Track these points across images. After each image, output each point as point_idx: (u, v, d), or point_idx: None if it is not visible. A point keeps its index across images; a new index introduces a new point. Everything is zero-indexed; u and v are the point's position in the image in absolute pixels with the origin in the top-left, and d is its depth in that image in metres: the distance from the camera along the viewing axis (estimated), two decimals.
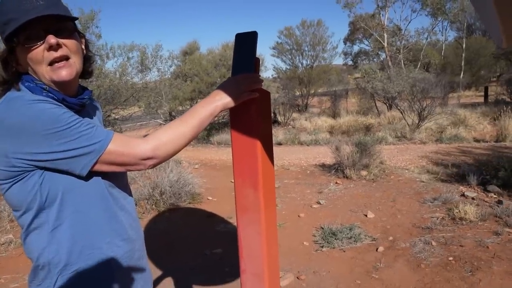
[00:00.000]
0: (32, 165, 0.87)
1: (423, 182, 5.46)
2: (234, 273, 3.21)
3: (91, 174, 0.93)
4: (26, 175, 0.88)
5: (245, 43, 1.15)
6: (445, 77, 13.61)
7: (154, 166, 0.98)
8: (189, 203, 5.09)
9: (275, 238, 1.26)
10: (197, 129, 1.03)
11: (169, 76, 10.91)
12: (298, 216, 4.46)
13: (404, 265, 3.16)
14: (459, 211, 3.96)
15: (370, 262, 3.26)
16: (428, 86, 10.24)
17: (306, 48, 22.21)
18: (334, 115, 15.46)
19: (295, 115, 16.02)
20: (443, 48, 30.86)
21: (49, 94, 0.94)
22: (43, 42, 0.91)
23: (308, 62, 22.33)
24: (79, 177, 0.92)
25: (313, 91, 20.42)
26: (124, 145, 0.93)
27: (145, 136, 1.04)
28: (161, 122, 12.39)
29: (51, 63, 0.93)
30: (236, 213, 1.21)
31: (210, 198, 5.34)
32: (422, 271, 3.03)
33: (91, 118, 1.09)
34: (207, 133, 11.00)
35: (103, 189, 0.99)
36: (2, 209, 4.79)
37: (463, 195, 4.67)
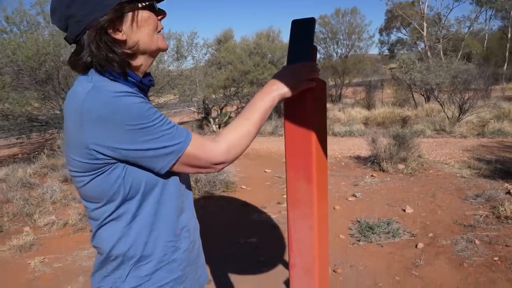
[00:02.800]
0: (113, 158, 0.86)
1: (464, 177, 5.25)
2: (269, 263, 3.20)
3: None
4: (109, 168, 0.87)
5: (302, 30, 1.10)
6: (489, 69, 12.98)
7: (222, 169, 0.98)
8: (223, 191, 5.12)
9: (326, 233, 1.22)
10: (260, 124, 1.00)
11: (204, 64, 10.96)
12: (334, 208, 4.39)
13: (445, 263, 3.05)
14: (505, 209, 3.78)
15: (409, 258, 3.17)
16: (471, 78, 9.80)
17: (341, 37, 21.77)
18: (369, 106, 15.13)
19: (328, 105, 15.78)
20: (486, 38, 29.43)
21: (128, 78, 0.92)
22: (160, 12, 0.98)
23: (343, 51, 21.90)
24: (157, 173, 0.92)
25: (347, 81, 20.03)
26: (201, 149, 0.91)
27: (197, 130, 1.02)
28: (195, 110, 12.50)
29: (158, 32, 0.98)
30: (287, 206, 1.18)
31: (244, 187, 5.35)
32: (465, 270, 2.91)
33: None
34: None
35: (178, 182, 0.99)
36: (45, 191, 4.99)
37: (508, 192, 4.44)
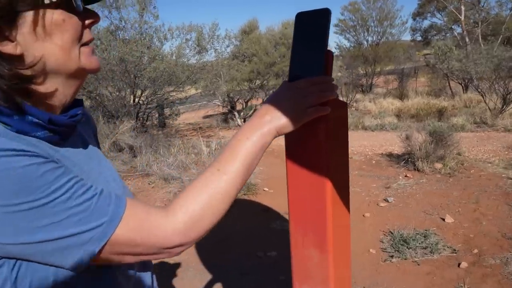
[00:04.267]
0: None
1: None
2: (289, 283, 2.86)
3: None
4: None
5: (312, 28, 0.74)
6: None
7: (181, 252, 0.63)
8: (244, 194, 4.81)
9: None
10: (244, 175, 0.66)
11: (227, 56, 10.60)
12: (363, 216, 3.99)
13: None
14: None
15: (451, 280, 2.75)
16: None
17: (372, 24, 20.90)
18: (402, 96, 14.38)
19: (358, 96, 15.15)
20: None
21: (28, 117, 0.57)
22: (88, 16, 0.63)
23: (374, 39, 21.05)
24: None
25: (378, 70, 19.22)
26: (141, 229, 0.58)
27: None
28: (219, 103, 12.22)
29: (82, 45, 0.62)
30: (292, 280, 0.84)
31: (267, 189, 5.02)
32: None
33: (85, 145, 0.72)
34: None
35: (113, 273, 0.64)
36: None
37: None
